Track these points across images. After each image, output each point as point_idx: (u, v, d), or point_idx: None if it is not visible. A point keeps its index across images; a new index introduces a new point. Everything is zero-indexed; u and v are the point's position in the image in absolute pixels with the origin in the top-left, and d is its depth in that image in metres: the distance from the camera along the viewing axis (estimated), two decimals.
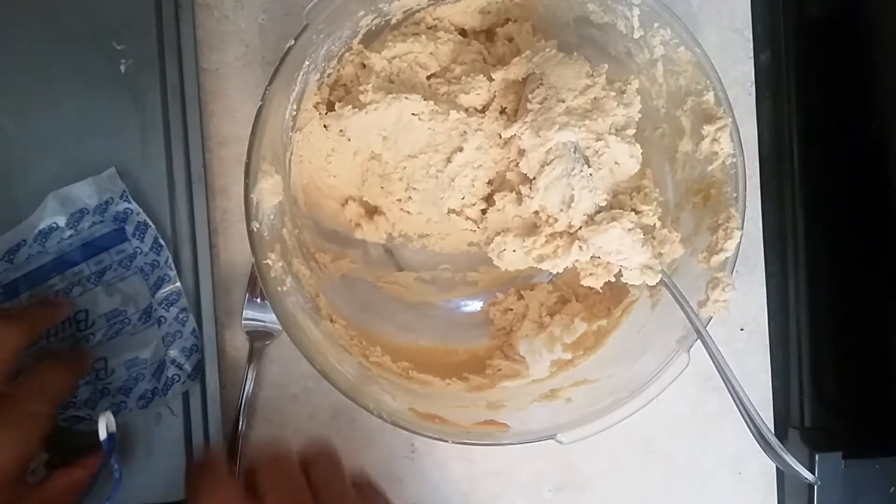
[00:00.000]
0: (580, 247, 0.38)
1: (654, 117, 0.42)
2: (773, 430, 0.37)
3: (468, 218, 0.43)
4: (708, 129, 0.38)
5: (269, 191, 0.37)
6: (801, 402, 0.49)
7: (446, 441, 0.37)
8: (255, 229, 0.36)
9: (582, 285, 0.46)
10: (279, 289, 0.37)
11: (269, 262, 0.37)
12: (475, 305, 0.48)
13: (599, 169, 0.37)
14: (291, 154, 0.41)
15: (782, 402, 0.51)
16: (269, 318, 0.46)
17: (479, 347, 0.47)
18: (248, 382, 0.46)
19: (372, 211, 0.46)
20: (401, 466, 0.48)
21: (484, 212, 0.42)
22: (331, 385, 0.37)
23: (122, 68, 0.44)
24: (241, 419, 0.45)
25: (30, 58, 0.44)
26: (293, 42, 0.36)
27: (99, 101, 0.44)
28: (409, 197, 0.43)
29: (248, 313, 0.46)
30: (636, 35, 0.39)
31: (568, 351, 0.45)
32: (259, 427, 0.46)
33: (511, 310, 0.46)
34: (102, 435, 0.39)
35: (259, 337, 0.46)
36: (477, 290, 0.47)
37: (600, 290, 0.42)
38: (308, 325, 0.38)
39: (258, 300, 0.46)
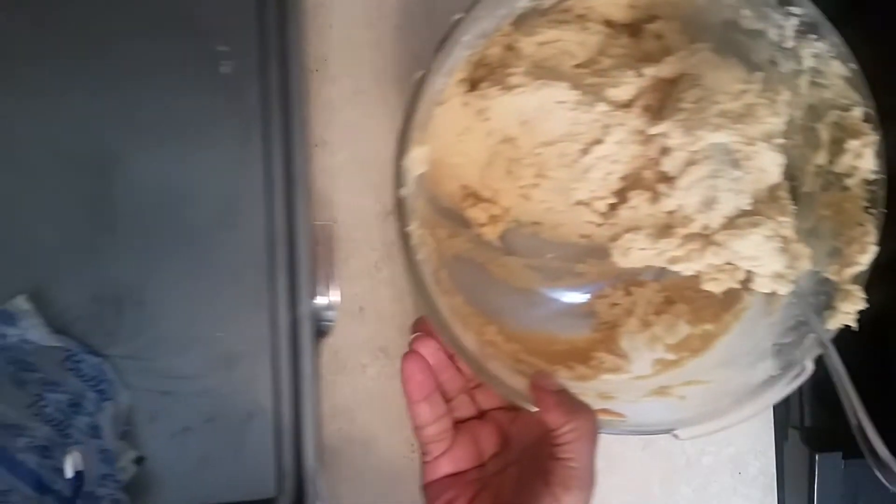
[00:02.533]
0: (715, 251, 0.38)
1: (787, 128, 0.42)
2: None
3: (595, 211, 0.43)
4: (852, 144, 0.39)
5: (418, 159, 0.37)
6: (801, 402, 0.49)
7: None
8: (403, 195, 0.37)
9: (688, 287, 0.47)
10: (418, 256, 0.37)
11: (411, 229, 0.37)
12: (578, 297, 0.48)
13: (748, 173, 0.37)
14: (429, 128, 0.42)
15: (782, 401, 0.50)
16: (323, 316, 0.45)
17: (580, 339, 0.47)
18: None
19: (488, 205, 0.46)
20: (401, 466, 0.48)
21: (612, 206, 0.43)
22: (460, 357, 0.37)
23: (224, 70, 0.44)
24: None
25: (132, 58, 0.43)
26: (463, 14, 0.37)
27: (199, 102, 0.43)
28: (537, 184, 0.43)
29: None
30: (787, 45, 0.40)
31: (671, 351, 0.45)
32: None
33: (618, 304, 0.47)
34: (69, 474, 0.38)
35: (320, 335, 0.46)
36: (583, 281, 0.48)
37: (710, 295, 0.42)
38: (436, 296, 0.39)
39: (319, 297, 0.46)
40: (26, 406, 0.39)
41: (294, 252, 0.43)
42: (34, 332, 0.40)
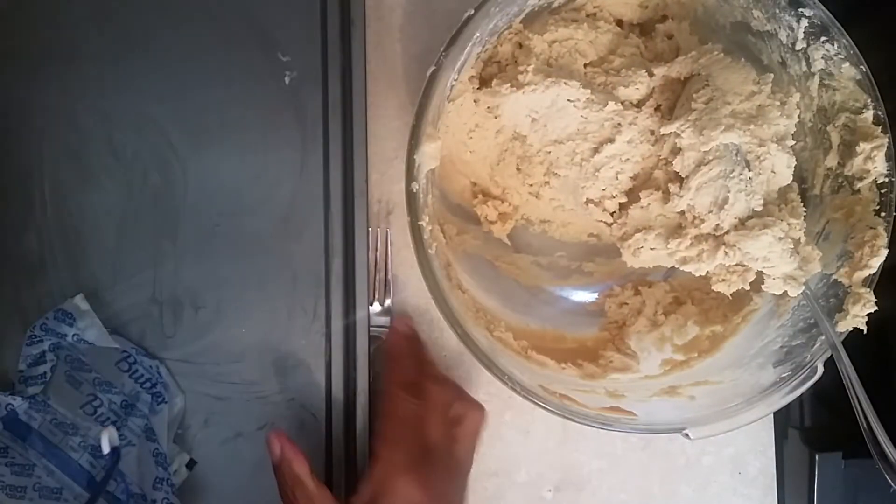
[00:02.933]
0: (726, 252, 0.38)
1: (797, 131, 0.42)
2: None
3: (605, 210, 0.43)
4: (864, 147, 0.39)
5: (429, 154, 0.38)
6: (801, 402, 0.49)
7: (579, 421, 0.37)
8: (414, 190, 0.37)
9: (697, 288, 0.47)
10: (429, 251, 0.37)
11: (423, 223, 0.37)
12: (586, 296, 0.48)
13: (760, 174, 0.38)
14: (440, 124, 0.42)
15: None
16: (377, 322, 0.46)
17: (588, 337, 0.47)
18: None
19: (498, 202, 0.46)
20: None
21: (622, 206, 0.43)
22: (469, 352, 0.37)
23: (287, 80, 0.44)
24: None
25: (198, 67, 0.44)
26: (472, 11, 0.37)
27: (261, 110, 0.44)
28: (547, 182, 0.43)
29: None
30: (798, 46, 0.40)
31: (679, 352, 0.45)
32: None
33: (627, 304, 0.46)
34: (105, 449, 0.38)
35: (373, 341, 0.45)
36: (591, 280, 0.48)
37: (719, 296, 0.42)
38: (447, 291, 0.39)
39: (374, 305, 0.46)
40: (80, 406, 0.39)
41: (350, 259, 0.43)
42: (91, 332, 0.40)
